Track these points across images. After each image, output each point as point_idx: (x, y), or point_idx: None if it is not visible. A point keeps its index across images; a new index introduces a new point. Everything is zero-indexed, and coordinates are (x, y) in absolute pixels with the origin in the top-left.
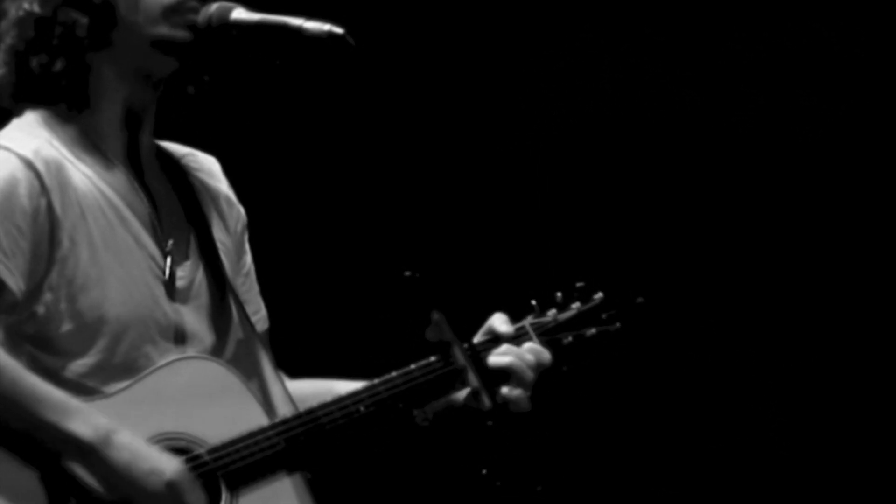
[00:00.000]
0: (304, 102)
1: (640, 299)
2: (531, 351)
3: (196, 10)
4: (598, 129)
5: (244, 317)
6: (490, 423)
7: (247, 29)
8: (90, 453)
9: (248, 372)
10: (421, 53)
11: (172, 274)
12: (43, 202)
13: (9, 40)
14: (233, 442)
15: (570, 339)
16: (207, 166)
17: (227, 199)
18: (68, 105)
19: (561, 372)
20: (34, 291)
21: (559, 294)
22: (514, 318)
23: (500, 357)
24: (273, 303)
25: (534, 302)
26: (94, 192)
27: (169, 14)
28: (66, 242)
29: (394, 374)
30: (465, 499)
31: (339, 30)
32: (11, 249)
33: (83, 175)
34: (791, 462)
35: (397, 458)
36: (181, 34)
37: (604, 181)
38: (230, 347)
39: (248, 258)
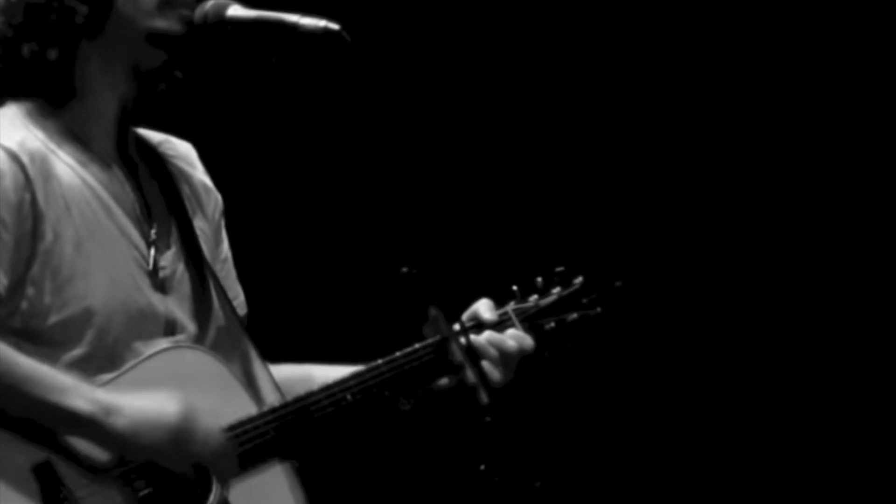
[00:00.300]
0: (300, 98)
1: (618, 283)
2: (514, 337)
3: (189, 5)
4: (595, 127)
5: (227, 303)
6: (488, 418)
7: (243, 26)
8: (93, 425)
9: (232, 358)
10: (419, 50)
11: (156, 264)
12: (27, 195)
13: None
14: (226, 430)
15: (552, 324)
16: (184, 153)
17: (205, 186)
18: (55, 97)
19: (543, 357)
20: (16, 286)
21: (539, 279)
22: (498, 303)
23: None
24: (263, 289)
25: (515, 287)
26: (79, 184)
27: (163, 7)
28: (49, 235)
29: (380, 361)
30: (463, 494)
31: (335, 26)
32: None
33: (67, 166)
34: (781, 454)
35: (396, 454)
36: (174, 27)
37: (599, 178)
38: (213, 334)
39: (226, 245)
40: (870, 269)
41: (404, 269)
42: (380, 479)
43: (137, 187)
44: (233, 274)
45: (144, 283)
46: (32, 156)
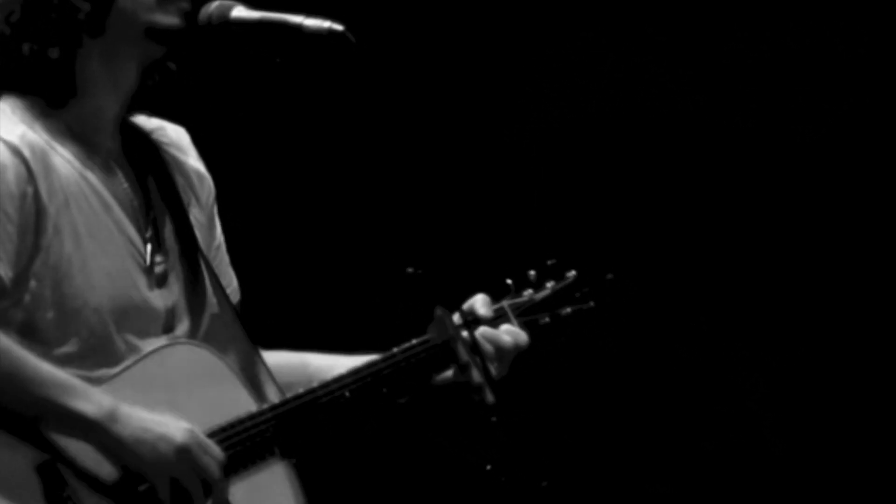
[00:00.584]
0: (304, 98)
1: (609, 276)
2: (509, 333)
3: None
4: (595, 126)
5: (221, 294)
6: (494, 418)
7: (247, 27)
8: (97, 430)
9: (228, 350)
10: (421, 50)
11: (153, 260)
12: (30, 189)
13: None
14: (223, 429)
15: (546, 319)
16: (176, 140)
17: (198, 174)
18: (56, 96)
19: (538, 351)
20: (20, 278)
21: (532, 273)
22: (492, 298)
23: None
24: (265, 285)
25: (509, 281)
26: (77, 180)
27: (163, 1)
28: (50, 230)
29: (377, 357)
30: (470, 494)
31: (339, 27)
32: (0, 236)
33: (66, 162)
34: (782, 452)
35: (402, 454)
36: (174, 22)
37: (601, 176)
38: (207, 327)
39: (219, 231)
40: (870, 268)
41: (409, 270)
42: (386, 479)
43: (136, 183)
44: (226, 260)
45: (141, 279)
46: (33, 150)
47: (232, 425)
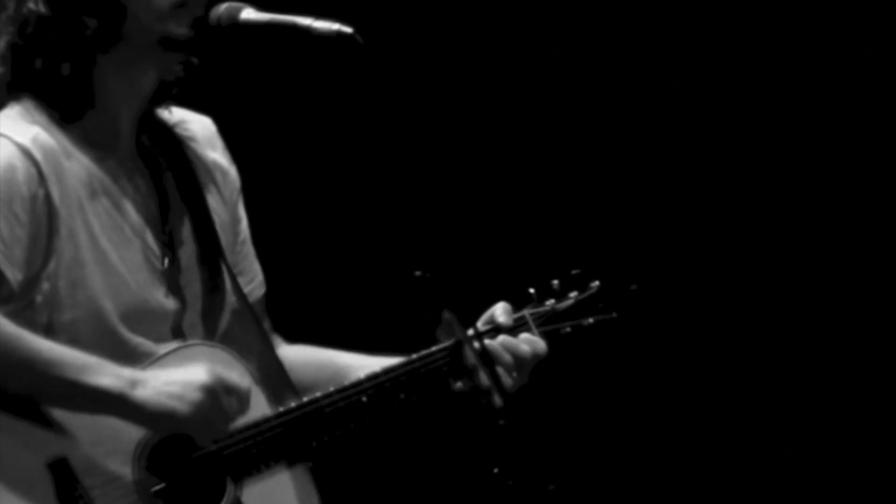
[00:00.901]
0: (314, 100)
1: (634, 286)
2: (528, 342)
3: (202, 6)
4: (609, 130)
5: (239, 294)
6: (502, 421)
7: (256, 29)
8: (121, 401)
9: (246, 352)
10: (430, 53)
11: (169, 263)
12: (41, 191)
13: (7, 37)
14: (237, 431)
15: (568, 329)
16: (200, 134)
17: (221, 169)
18: (71, 111)
19: (559, 361)
20: (32, 281)
21: (556, 282)
22: (515, 307)
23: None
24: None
25: (532, 290)
26: (92, 181)
27: (177, 10)
28: (63, 232)
29: (396, 362)
30: (477, 498)
31: (348, 29)
32: (10, 239)
33: (81, 163)
34: (795, 457)
35: (410, 457)
36: (187, 31)
37: (613, 181)
38: (225, 328)
39: (244, 224)
40: (885, 272)
41: (418, 273)
42: (394, 482)
43: (155, 183)
44: (251, 254)
45: (156, 282)
46: (46, 152)
47: (247, 428)
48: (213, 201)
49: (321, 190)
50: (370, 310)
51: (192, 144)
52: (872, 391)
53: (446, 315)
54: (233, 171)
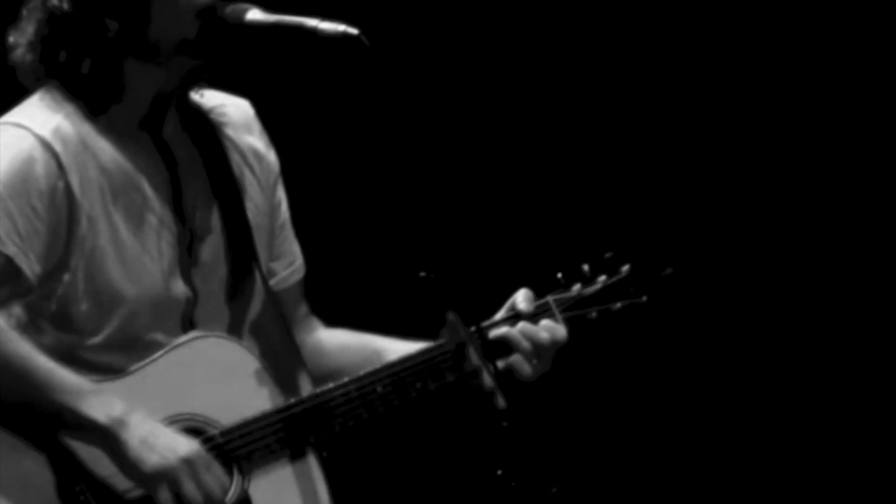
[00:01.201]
0: (318, 101)
1: (668, 270)
2: (546, 329)
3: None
4: (605, 127)
5: (266, 287)
6: (505, 423)
7: (262, 30)
8: (106, 435)
9: (267, 345)
10: (433, 53)
11: (193, 254)
12: (61, 183)
13: (36, 25)
14: (246, 423)
15: (594, 314)
16: (237, 118)
17: (257, 154)
18: (94, 105)
19: (585, 346)
20: (53, 272)
21: (586, 267)
22: (541, 293)
23: (499, 329)
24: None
25: (560, 275)
26: (116, 170)
27: (202, 15)
28: (84, 222)
29: (413, 352)
30: (480, 499)
31: (353, 31)
32: (27, 232)
33: (105, 152)
34: (797, 457)
35: (413, 458)
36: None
37: (609, 176)
38: (249, 321)
39: (283, 207)
40: (881, 269)
41: (422, 274)
42: (399, 483)
43: (186, 171)
44: (290, 237)
45: (177, 273)
46: (67, 142)
47: (256, 420)
48: (248, 187)
49: (325, 189)
50: (374, 309)
51: (227, 130)
52: (865, 388)
53: (451, 316)
54: (270, 155)
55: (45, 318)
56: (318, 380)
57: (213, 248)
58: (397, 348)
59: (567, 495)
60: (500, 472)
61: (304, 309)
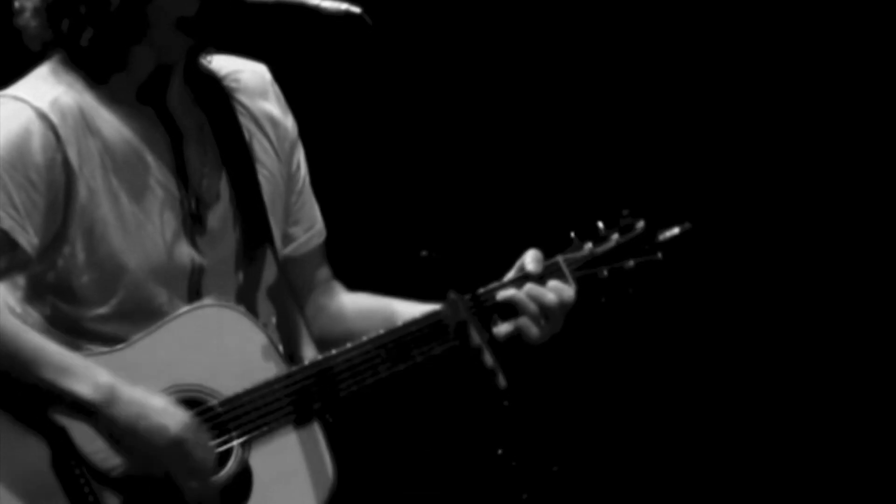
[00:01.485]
0: (321, 80)
1: (686, 225)
2: (553, 289)
3: None
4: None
5: (275, 257)
6: (506, 402)
7: (264, 8)
8: (94, 412)
9: (279, 313)
10: (437, 32)
11: (199, 222)
12: (58, 156)
13: None
14: (246, 393)
15: (605, 273)
16: (252, 84)
17: (272, 119)
18: (95, 74)
19: (599, 304)
20: (52, 244)
21: (601, 224)
22: (552, 253)
23: (506, 291)
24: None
25: (573, 234)
26: (118, 140)
27: None
28: (83, 192)
29: (418, 316)
30: (481, 479)
31: (356, 9)
32: (24, 205)
33: (108, 122)
34: (795, 452)
35: (413, 438)
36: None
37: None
38: (262, 288)
39: (303, 172)
40: (879, 268)
41: (424, 253)
42: (399, 463)
43: (193, 138)
44: (309, 202)
45: (182, 241)
46: (66, 114)
47: (257, 389)
48: (261, 154)
49: (326, 169)
50: (377, 284)
51: (240, 96)
52: (863, 388)
53: (451, 295)
54: (287, 121)
55: (49, 289)
56: (339, 344)
57: (221, 215)
58: (413, 312)
59: (568, 474)
60: (500, 452)
61: (325, 273)
